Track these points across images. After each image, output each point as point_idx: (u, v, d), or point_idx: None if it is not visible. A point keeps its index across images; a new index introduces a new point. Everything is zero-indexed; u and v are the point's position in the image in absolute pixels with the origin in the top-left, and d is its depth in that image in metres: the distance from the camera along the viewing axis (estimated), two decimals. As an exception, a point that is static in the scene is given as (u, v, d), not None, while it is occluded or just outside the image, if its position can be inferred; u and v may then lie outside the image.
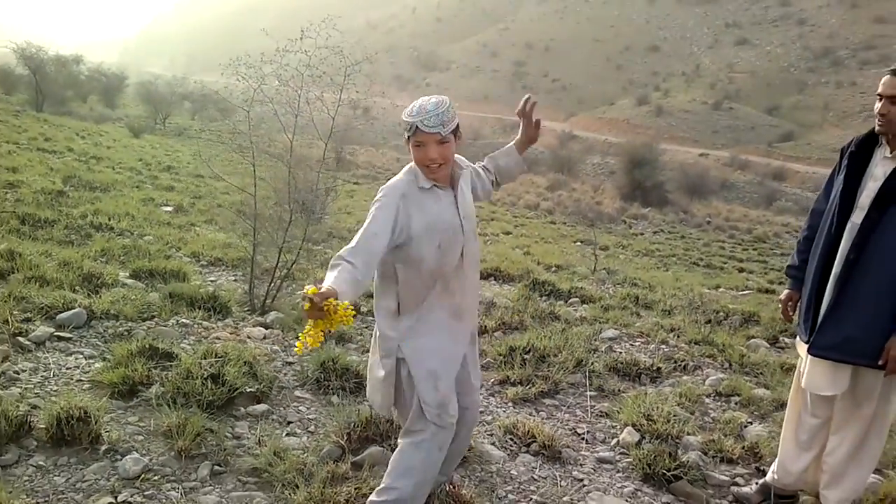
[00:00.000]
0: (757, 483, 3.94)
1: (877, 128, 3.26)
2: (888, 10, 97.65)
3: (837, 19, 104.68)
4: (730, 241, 27.37)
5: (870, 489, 3.84)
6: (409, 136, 2.85)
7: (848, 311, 3.25)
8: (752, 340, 7.23)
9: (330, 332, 2.51)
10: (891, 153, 3.24)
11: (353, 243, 2.69)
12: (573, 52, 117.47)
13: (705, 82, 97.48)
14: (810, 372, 3.45)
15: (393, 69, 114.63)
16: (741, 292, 12.25)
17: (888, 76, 3.19)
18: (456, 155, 3.04)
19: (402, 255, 2.88)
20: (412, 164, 2.96)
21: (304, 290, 2.40)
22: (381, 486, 3.02)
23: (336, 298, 2.40)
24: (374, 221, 2.77)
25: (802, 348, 3.54)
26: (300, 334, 2.44)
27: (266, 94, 6.05)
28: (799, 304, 3.63)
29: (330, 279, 2.53)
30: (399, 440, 3.08)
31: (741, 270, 18.63)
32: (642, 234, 26.59)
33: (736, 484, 4.03)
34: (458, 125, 2.90)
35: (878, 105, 3.22)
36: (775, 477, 3.79)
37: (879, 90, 3.22)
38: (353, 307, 2.45)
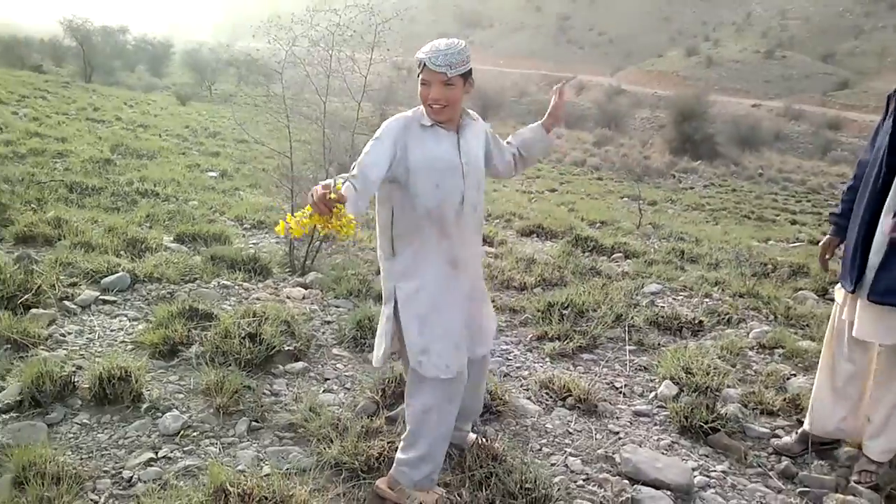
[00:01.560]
0: (796, 433, 3.89)
1: None
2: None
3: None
4: (783, 192, 26.74)
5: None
6: (418, 74, 2.83)
7: None
8: (800, 292, 7.09)
9: (316, 231, 2.45)
10: None
11: (353, 171, 2.69)
12: (619, 3, 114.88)
13: (757, 31, 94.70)
14: (861, 319, 3.37)
15: (436, 27, 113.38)
16: (792, 244, 11.99)
17: None
18: (469, 110, 3.01)
19: (400, 189, 2.87)
20: (421, 105, 2.95)
21: (334, 184, 2.38)
22: (402, 444, 3.08)
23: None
24: (372, 152, 2.77)
25: (841, 295, 3.47)
26: (289, 215, 2.38)
27: (297, 56, 6.04)
28: (843, 252, 3.55)
29: (344, 188, 2.51)
30: (405, 399, 3.11)
31: (793, 223, 18.21)
32: (692, 188, 26.10)
33: (776, 436, 3.98)
34: (469, 71, 2.86)
35: None
36: (811, 423, 3.74)
37: None
38: (355, 222, 2.43)
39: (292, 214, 2.37)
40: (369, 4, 5.92)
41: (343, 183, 2.51)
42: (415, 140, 2.85)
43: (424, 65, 2.78)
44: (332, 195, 2.32)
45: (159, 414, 3.60)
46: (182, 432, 3.47)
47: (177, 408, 3.68)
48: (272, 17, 6.11)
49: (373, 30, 5.95)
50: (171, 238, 6.95)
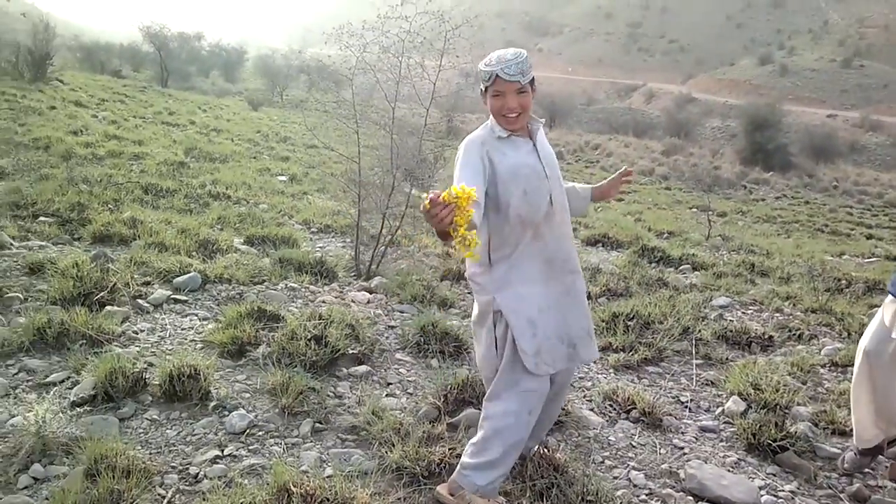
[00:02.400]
0: (851, 451, 3.78)
1: None
2: None
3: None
4: (858, 206, 25.91)
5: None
6: (486, 87, 2.85)
7: None
8: (875, 309, 6.84)
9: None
10: None
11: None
12: (691, 10, 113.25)
13: (834, 39, 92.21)
14: None
15: (504, 35, 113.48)
16: (867, 259, 11.61)
17: None
18: (531, 114, 3.01)
19: (491, 201, 2.88)
20: (489, 120, 2.97)
21: (422, 199, 2.34)
22: (471, 449, 3.04)
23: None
24: (465, 174, 2.78)
25: (889, 308, 3.39)
26: (455, 247, 2.37)
27: (368, 63, 6.11)
28: None
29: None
30: (485, 403, 3.08)
31: (869, 237, 17.63)
32: (763, 199, 25.50)
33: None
34: (534, 78, 2.88)
35: None
36: (858, 440, 3.65)
37: None
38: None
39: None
40: (440, 11, 5.95)
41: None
42: (496, 153, 2.89)
43: (497, 76, 2.80)
44: (427, 198, 2.30)
45: (226, 412, 3.67)
46: (248, 431, 3.54)
47: (243, 407, 3.75)
48: (344, 24, 6.20)
49: (442, 37, 5.97)
50: (241, 240, 7.10)
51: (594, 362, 4.97)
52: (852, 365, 5.11)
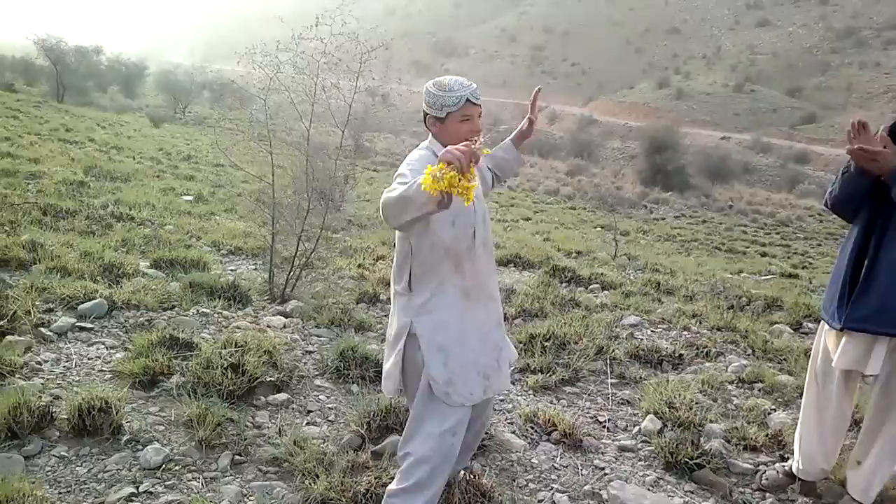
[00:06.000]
0: (781, 468, 3.90)
1: None
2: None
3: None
4: (752, 225, 27.15)
5: (895, 477, 3.79)
6: (449, 112, 2.84)
7: (881, 281, 3.22)
8: (776, 326, 7.15)
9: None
10: None
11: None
12: (592, 35, 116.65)
13: (726, 64, 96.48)
14: (844, 350, 3.37)
15: (410, 55, 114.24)
16: (764, 277, 12.14)
17: None
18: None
19: (420, 228, 2.86)
20: (428, 142, 2.96)
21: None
22: (397, 476, 2.99)
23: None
24: (409, 177, 2.73)
25: (830, 335, 3.49)
26: (429, 167, 2.33)
27: (282, 83, 6.02)
28: (828, 289, 3.56)
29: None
30: (408, 427, 3.03)
31: (764, 255, 18.46)
32: (663, 218, 26.39)
33: (759, 472, 3.99)
34: None
35: None
36: (800, 467, 3.75)
37: None
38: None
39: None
40: (355, 33, 5.93)
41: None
42: None
43: (467, 100, 2.82)
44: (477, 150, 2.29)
45: (140, 447, 3.51)
46: (164, 466, 3.40)
47: (158, 440, 3.60)
48: (258, 44, 6.10)
49: (356, 58, 5.96)
50: (148, 264, 6.84)
51: (512, 384, 5.01)
52: (758, 381, 5.35)
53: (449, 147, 2.36)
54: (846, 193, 3.43)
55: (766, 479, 3.87)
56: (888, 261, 3.21)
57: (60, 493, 3.10)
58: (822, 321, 3.59)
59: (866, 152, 3.04)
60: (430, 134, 2.96)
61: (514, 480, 3.70)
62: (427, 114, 2.91)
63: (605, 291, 8.18)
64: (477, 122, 2.88)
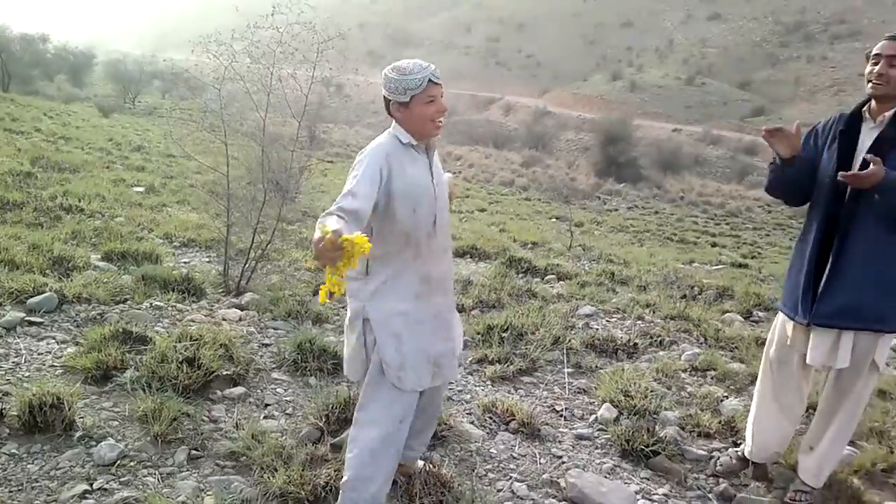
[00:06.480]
0: (735, 454, 3.98)
1: (873, 90, 3.28)
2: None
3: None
4: (703, 215, 27.58)
5: (844, 461, 3.90)
6: (414, 95, 2.84)
7: (847, 277, 3.28)
8: (727, 315, 7.29)
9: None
10: (875, 122, 3.27)
11: (344, 201, 2.66)
12: (546, 27, 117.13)
13: (678, 58, 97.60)
14: (814, 346, 3.42)
15: (365, 45, 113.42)
16: (715, 267, 12.35)
17: (887, 40, 3.24)
18: None
19: (380, 213, 2.88)
20: (392, 128, 2.96)
21: (323, 232, 2.33)
22: (347, 464, 3.00)
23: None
24: (362, 182, 2.76)
25: (789, 326, 3.55)
26: (323, 287, 2.45)
27: (237, 72, 5.95)
28: (786, 281, 3.61)
29: (332, 223, 2.47)
30: (355, 415, 3.04)
31: (714, 245, 18.77)
32: (617, 209, 26.69)
33: (713, 458, 4.07)
34: None
35: (874, 67, 3.26)
36: (753, 451, 3.83)
37: (877, 51, 3.25)
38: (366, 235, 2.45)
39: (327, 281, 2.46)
40: (311, 23, 5.87)
41: (331, 223, 2.48)
42: (397, 166, 2.87)
43: (430, 81, 2.83)
44: (329, 237, 2.31)
45: (93, 443, 3.45)
46: (118, 462, 3.34)
47: (112, 436, 3.54)
48: (212, 34, 6.00)
49: (313, 48, 5.89)
50: (99, 256, 6.72)
51: (470, 375, 5.04)
52: (711, 369, 5.44)
53: (315, 243, 2.35)
54: (776, 181, 3.53)
55: (721, 465, 3.96)
56: (853, 256, 3.28)
57: (11, 492, 3.03)
58: (780, 312, 3.66)
59: (855, 178, 3.11)
60: (394, 121, 2.95)
61: (474, 470, 3.72)
62: (390, 100, 2.90)
63: (561, 282, 8.25)
64: (441, 102, 2.90)
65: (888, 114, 3.26)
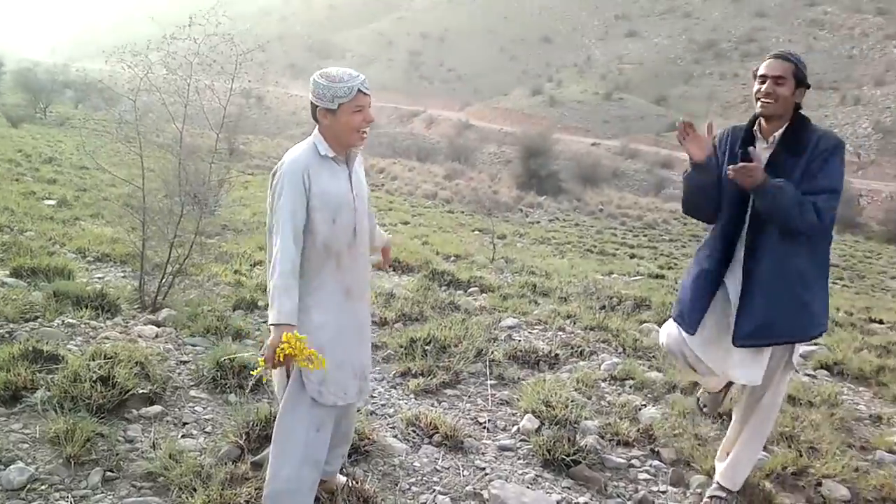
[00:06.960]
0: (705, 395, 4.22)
1: (762, 109, 3.34)
2: (768, 4, 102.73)
3: (720, 12, 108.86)
4: (621, 227, 28.22)
5: (757, 465, 4.03)
6: (342, 104, 2.85)
7: (758, 294, 3.36)
8: (644, 325, 7.45)
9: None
10: (767, 142, 3.39)
11: (284, 242, 2.80)
12: (468, 42, 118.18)
13: (596, 73, 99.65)
14: (741, 365, 3.47)
15: (286, 57, 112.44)
16: (633, 278, 12.62)
17: (771, 59, 3.32)
18: None
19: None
20: (312, 137, 2.97)
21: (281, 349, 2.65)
22: (267, 477, 2.98)
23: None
24: (290, 199, 2.82)
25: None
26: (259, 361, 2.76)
27: (153, 83, 5.82)
28: (687, 296, 3.64)
29: (287, 307, 2.75)
30: (275, 428, 3.02)
31: (632, 256, 19.23)
32: (538, 222, 27.08)
33: (632, 466, 4.16)
34: None
35: (761, 86, 3.32)
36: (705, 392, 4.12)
37: (763, 71, 3.32)
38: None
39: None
40: (230, 34, 5.80)
41: (289, 291, 2.82)
42: (315, 177, 2.89)
43: (359, 90, 2.84)
44: (285, 350, 2.65)
45: (2, 467, 3.32)
46: (28, 486, 3.22)
47: (22, 459, 3.40)
48: (127, 44, 5.87)
49: (231, 59, 5.83)
50: (7, 272, 6.46)
51: (394, 388, 5.04)
52: (629, 378, 5.56)
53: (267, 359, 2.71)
54: (690, 191, 3.59)
55: (704, 402, 4.28)
56: (762, 274, 3.35)
57: (-89, 521, 2.89)
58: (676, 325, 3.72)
59: (743, 170, 3.19)
60: (317, 127, 2.95)
61: (397, 485, 3.72)
62: (317, 106, 2.89)
63: (484, 294, 8.31)
64: (368, 113, 2.91)
65: (777, 133, 3.37)
